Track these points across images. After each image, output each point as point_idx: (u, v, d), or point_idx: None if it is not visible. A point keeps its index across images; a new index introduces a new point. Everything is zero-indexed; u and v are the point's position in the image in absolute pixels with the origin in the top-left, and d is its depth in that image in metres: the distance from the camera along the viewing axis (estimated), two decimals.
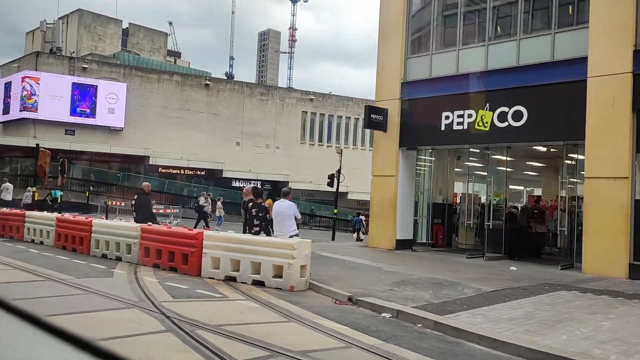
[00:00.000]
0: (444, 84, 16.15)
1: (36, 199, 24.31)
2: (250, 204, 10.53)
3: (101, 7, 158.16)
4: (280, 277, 9.01)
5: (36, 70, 39.75)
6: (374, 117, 17.07)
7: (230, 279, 9.54)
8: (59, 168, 27.00)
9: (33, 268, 10.09)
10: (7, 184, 28.47)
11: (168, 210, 28.79)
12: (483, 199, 17.61)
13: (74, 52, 46.07)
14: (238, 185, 44.97)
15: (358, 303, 7.98)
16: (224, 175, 43.47)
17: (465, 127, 15.39)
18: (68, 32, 56.00)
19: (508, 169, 16.74)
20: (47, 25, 46.77)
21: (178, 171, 43.11)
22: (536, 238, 17.05)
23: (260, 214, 10.44)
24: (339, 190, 49.29)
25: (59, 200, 27.64)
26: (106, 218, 21.63)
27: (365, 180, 52.25)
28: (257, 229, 10.31)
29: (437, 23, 17.12)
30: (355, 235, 26.02)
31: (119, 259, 11.78)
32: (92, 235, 12.68)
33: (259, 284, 9.20)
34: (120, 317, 6.38)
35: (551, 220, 17.21)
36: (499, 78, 14.89)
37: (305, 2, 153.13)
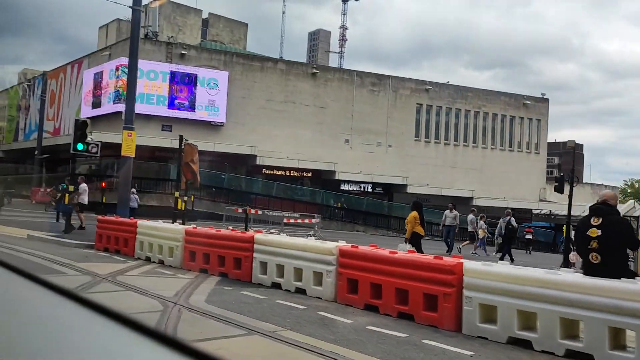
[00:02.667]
0: None
1: (180, 207, 19.30)
2: None
3: None
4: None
5: None
6: None
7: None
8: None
9: None
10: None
11: (307, 220, 23.43)
12: None
13: (172, 36, 41.53)
14: (348, 189, 39.75)
15: None
16: (336, 177, 38.18)
17: None
18: (146, 23, 51.78)
19: None
20: (141, 10, 42.25)
21: (283, 172, 38.09)
22: None
23: None
24: (461, 195, 43.40)
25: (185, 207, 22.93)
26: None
27: (491, 184, 46.27)
28: None
29: None
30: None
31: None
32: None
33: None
34: None
35: None
36: None
37: (356, 0, 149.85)
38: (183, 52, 36.49)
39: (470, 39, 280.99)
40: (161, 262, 10.96)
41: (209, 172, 36.23)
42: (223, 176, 35.42)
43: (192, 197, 23.89)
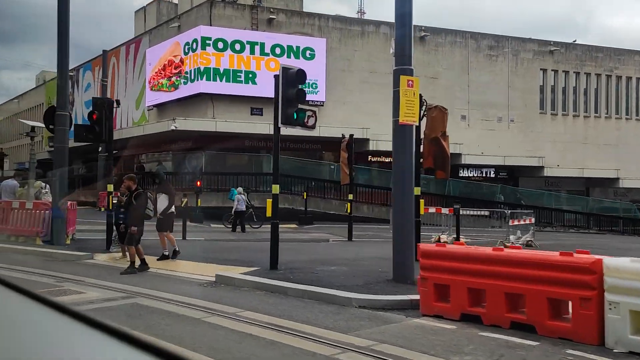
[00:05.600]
0: None
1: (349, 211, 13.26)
2: None
3: None
4: None
5: (210, 25, 28.92)
6: None
7: None
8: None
9: None
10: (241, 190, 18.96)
11: (524, 220, 16.88)
12: None
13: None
14: (468, 175, 33.09)
15: None
16: (462, 162, 31.51)
17: None
18: None
19: None
20: None
21: (390, 158, 31.52)
22: None
23: None
24: (604, 177, 36.44)
25: (348, 211, 16.75)
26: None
27: (630, 161, 39.15)
28: None
29: None
30: None
31: None
32: None
33: None
34: None
35: None
36: None
37: None
38: (271, 16, 29.95)
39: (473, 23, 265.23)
40: None
41: (307, 161, 29.88)
42: (332, 167, 28.96)
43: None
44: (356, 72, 31.50)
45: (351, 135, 17.72)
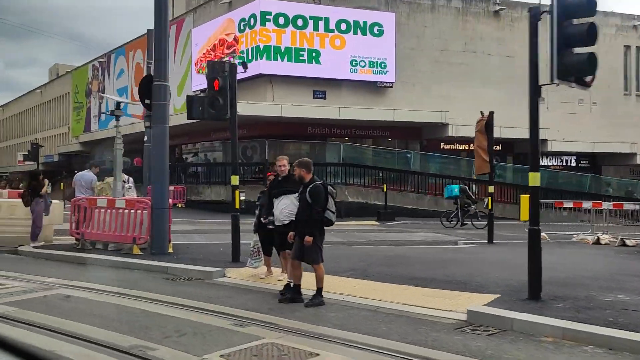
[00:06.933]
0: None
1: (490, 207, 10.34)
2: None
3: None
4: None
5: None
6: None
7: None
8: None
9: None
10: None
11: None
12: None
13: None
14: (547, 164, 29.97)
15: None
16: (550, 149, 28.39)
17: None
18: None
19: None
20: None
21: (466, 147, 28.43)
22: None
23: None
24: None
25: (489, 207, 13.74)
26: None
27: None
28: None
29: None
30: None
31: None
32: None
33: None
34: None
35: None
36: None
37: None
38: None
39: None
40: None
41: (383, 149, 26.87)
42: (409, 155, 25.94)
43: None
44: (427, 50, 28.41)
45: (491, 113, 14.71)
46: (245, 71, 9.53)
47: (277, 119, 24.82)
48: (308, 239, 6.24)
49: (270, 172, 21.58)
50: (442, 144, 28.50)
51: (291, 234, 6.49)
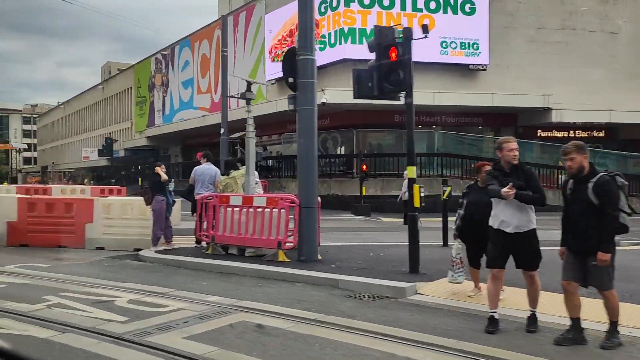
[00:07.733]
0: None
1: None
2: None
3: None
4: None
5: None
6: None
7: None
8: None
9: None
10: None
11: None
12: None
13: None
14: None
15: None
16: None
17: None
18: None
19: None
20: None
21: (565, 134, 26.03)
22: None
23: None
24: None
25: None
26: None
27: None
28: None
29: None
30: None
31: None
32: None
33: None
34: None
35: None
36: None
37: None
38: None
39: None
40: None
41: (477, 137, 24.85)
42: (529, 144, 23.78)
43: None
44: (520, 29, 26.12)
45: None
46: (425, 37, 7.69)
47: (363, 106, 23.14)
48: (604, 256, 4.50)
49: (364, 164, 19.74)
50: (539, 130, 26.21)
51: (562, 249, 4.79)
